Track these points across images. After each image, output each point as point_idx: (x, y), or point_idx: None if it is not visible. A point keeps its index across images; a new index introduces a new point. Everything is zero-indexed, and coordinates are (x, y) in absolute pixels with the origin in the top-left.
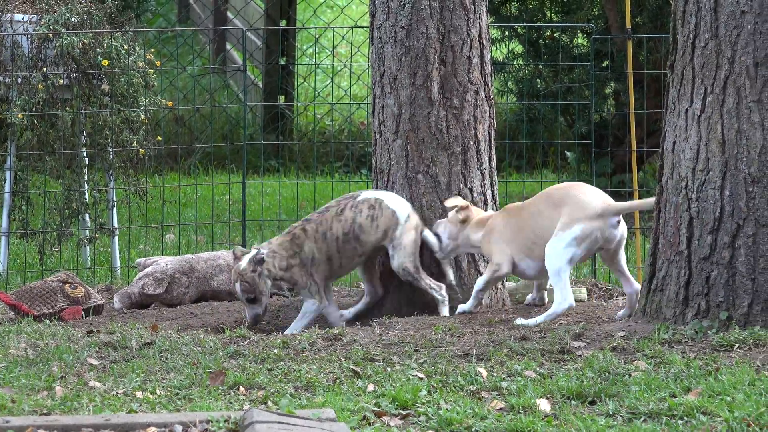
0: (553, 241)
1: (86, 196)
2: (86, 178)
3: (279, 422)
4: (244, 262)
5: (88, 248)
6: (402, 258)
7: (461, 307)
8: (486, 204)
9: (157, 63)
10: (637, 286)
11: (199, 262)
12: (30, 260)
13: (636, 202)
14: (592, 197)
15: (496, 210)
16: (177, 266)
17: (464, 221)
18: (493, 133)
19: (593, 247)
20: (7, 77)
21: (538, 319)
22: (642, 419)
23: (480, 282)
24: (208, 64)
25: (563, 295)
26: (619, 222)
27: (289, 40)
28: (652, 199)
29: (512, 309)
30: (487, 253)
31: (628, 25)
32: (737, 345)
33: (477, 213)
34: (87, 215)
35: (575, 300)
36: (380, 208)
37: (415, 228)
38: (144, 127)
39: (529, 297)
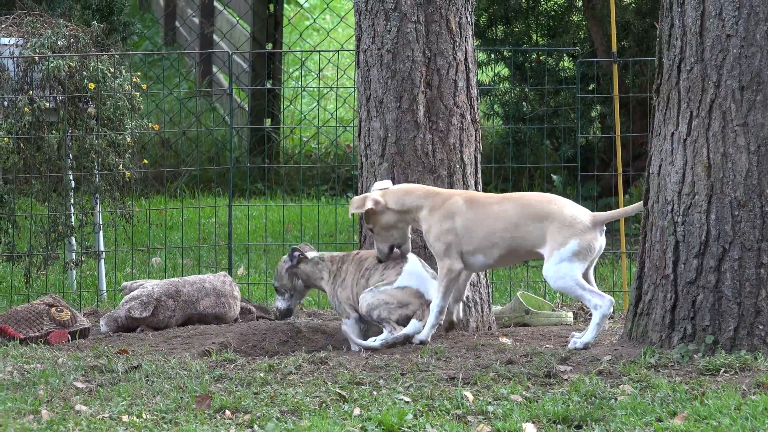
0: (553, 263)
1: (72, 219)
2: (72, 201)
3: None
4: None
5: (74, 271)
6: None
7: (418, 338)
8: None
9: (144, 86)
10: (609, 299)
11: (185, 286)
12: (16, 283)
13: (622, 210)
14: (576, 211)
15: None
16: (163, 290)
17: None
18: (479, 156)
19: (589, 260)
20: None
21: (589, 334)
22: None
23: (437, 300)
24: (194, 87)
25: (598, 297)
26: (603, 232)
27: (275, 63)
28: (636, 205)
29: (498, 333)
30: (434, 246)
31: (614, 49)
32: (723, 369)
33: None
34: (73, 238)
35: (563, 323)
36: None
37: None
38: (130, 150)
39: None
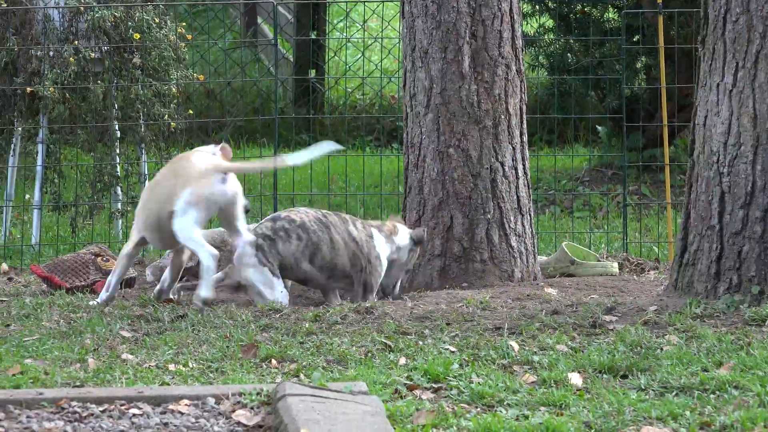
0: (176, 217)
1: (118, 169)
2: (118, 151)
3: (311, 395)
4: None
5: (120, 221)
6: None
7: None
8: (518, 178)
9: (189, 37)
10: (248, 237)
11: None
12: (62, 233)
13: (248, 164)
14: (197, 161)
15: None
16: (209, 239)
17: None
18: (524, 107)
19: (212, 206)
20: (39, 51)
21: (201, 291)
22: (674, 393)
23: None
24: (239, 37)
25: (205, 250)
26: (225, 180)
27: (319, 14)
28: (262, 163)
29: (543, 283)
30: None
31: (660, 0)
32: None
33: None
34: (119, 188)
35: (609, 274)
36: None
37: None
38: (175, 101)
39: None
